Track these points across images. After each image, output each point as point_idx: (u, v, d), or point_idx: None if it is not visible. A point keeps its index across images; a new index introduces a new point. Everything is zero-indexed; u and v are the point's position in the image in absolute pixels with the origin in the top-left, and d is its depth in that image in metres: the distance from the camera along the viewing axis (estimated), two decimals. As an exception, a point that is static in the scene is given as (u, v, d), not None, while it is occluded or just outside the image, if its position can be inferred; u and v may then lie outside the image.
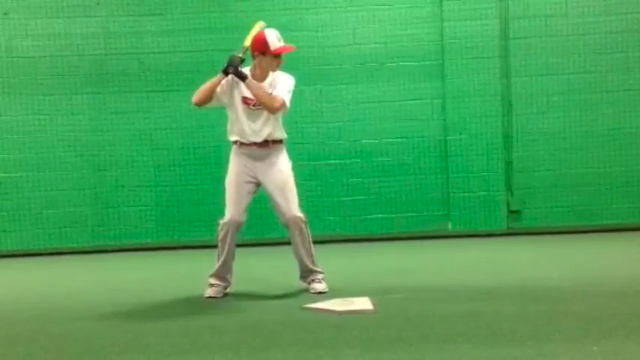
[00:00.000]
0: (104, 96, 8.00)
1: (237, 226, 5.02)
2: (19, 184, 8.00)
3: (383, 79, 8.04)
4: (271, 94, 4.92)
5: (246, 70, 5.00)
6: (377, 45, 8.01)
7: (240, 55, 4.94)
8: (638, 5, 7.94)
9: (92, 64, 7.99)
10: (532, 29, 7.96)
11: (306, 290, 5.09)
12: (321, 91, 8.04)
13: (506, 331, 3.79)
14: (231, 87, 5.00)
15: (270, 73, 4.99)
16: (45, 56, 7.95)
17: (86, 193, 8.03)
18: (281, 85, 4.95)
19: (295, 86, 5.04)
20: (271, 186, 5.04)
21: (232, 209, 5.01)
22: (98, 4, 7.97)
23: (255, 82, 4.94)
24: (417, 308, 4.49)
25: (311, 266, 5.12)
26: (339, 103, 8.08)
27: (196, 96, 5.02)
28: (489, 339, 3.67)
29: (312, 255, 5.12)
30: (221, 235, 5.03)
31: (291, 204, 5.02)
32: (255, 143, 5.00)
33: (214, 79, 4.97)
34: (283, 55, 4.99)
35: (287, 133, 5.15)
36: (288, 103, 4.95)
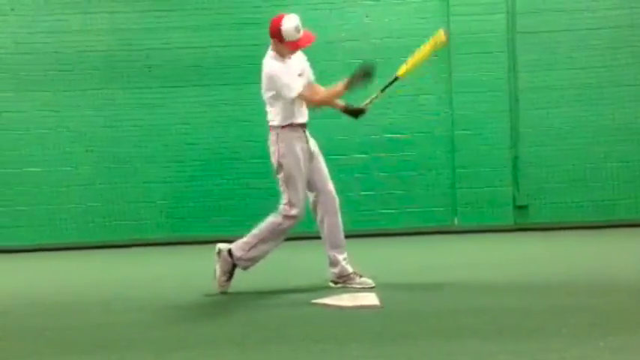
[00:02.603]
0: (112, 91, 8.02)
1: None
2: (29, 179, 8.03)
3: (390, 73, 7.99)
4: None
5: (272, 59, 4.89)
6: (383, 40, 7.99)
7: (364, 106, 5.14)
8: (648, 0, 7.91)
9: (100, 60, 8.01)
10: (540, 24, 7.92)
11: (351, 288, 4.91)
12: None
13: (513, 326, 3.78)
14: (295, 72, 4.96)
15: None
16: (53, 52, 7.98)
17: (96, 188, 8.06)
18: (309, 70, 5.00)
19: None
20: (322, 165, 5.06)
21: (301, 203, 4.90)
22: (106, -1, 7.99)
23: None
24: (424, 303, 4.48)
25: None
26: (346, 98, 8.05)
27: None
28: (496, 334, 3.66)
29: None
30: (282, 228, 4.89)
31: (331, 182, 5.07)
32: (305, 123, 5.00)
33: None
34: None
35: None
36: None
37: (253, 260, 4.98)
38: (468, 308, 4.26)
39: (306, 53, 7.79)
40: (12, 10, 7.97)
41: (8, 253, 7.79)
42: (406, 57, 8.06)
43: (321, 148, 8.19)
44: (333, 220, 4.99)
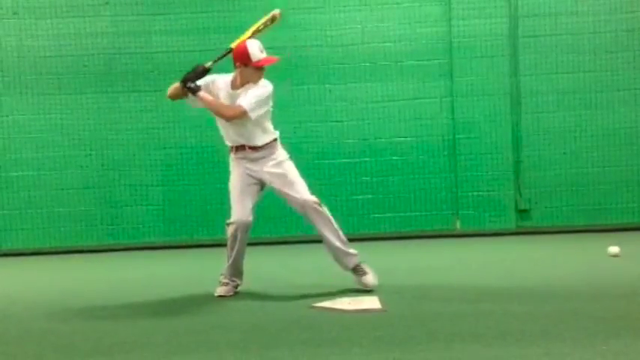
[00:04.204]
0: (113, 95, 8.03)
1: (244, 227, 5.00)
2: (29, 182, 8.04)
3: (391, 78, 8.03)
4: (228, 104, 4.87)
5: (225, 77, 4.96)
6: (385, 44, 8.00)
7: (208, 64, 4.88)
8: (648, 4, 7.91)
9: (101, 64, 8.02)
10: (541, 28, 7.93)
11: (357, 289, 4.99)
12: (330, 90, 8.04)
13: (515, 331, 3.78)
14: (209, 85, 4.96)
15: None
16: (54, 56, 7.99)
17: (95, 191, 8.06)
18: (250, 93, 4.85)
19: (269, 95, 4.90)
20: (275, 183, 5.02)
21: (238, 210, 5.00)
22: (107, 3, 8.00)
23: (205, 94, 4.87)
24: (426, 307, 4.48)
25: (344, 248, 5.01)
26: (348, 102, 8.08)
27: (169, 91, 5.02)
28: (498, 338, 3.66)
29: (340, 236, 5.02)
30: (229, 235, 5.03)
31: (300, 191, 4.97)
32: (247, 146, 4.99)
33: (176, 84, 4.93)
34: (268, 66, 4.93)
35: (278, 131, 5.10)
36: (250, 112, 4.80)
37: (229, 272, 5.09)
38: (470, 312, 4.26)
39: (306, 57, 7.87)
40: (15, 14, 7.99)
41: (7, 256, 7.79)
42: (409, 61, 8.16)
43: (324, 151, 8.22)
44: (318, 229, 5.03)
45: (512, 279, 5.35)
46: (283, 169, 5.02)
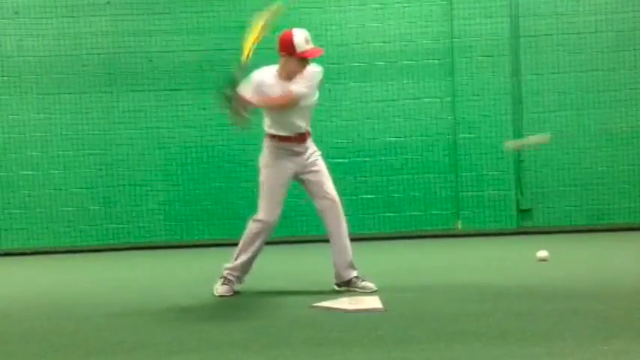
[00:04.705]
0: (113, 95, 8.04)
1: (271, 228, 4.93)
2: (30, 182, 8.04)
3: (392, 77, 8.04)
4: (278, 95, 4.77)
5: (267, 72, 4.83)
6: (386, 43, 8.00)
7: (238, 71, 4.74)
8: (649, 3, 7.92)
9: (101, 63, 8.03)
10: (543, 27, 7.93)
11: (354, 291, 4.92)
12: (329, 89, 8.03)
13: (516, 330, 3.77)
14: (259, 87, 4.81)
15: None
16: (55, 55, 7.99)
17: (96, 191, 8.07)
18: (302, 79, 4.76)
19: (321, 78, 4.85)
20: (311, 176, 4.94)
21: (270, 209, 4.90)
22: (108, 3, 8.01)
23: (247, 97, 4.69)
24: (427, 307, 4.47)
25: (351, 254, 4.97)
26: (348, 102, 8.08)
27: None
28: (499, 338, 3.65)
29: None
30: (252, 233, 4.92)
31: (333, 190, 5.01)
32: (295, 137, 4.89)
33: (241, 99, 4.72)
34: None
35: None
36: (298, 94, 4.72)
37: (239, 270, 5.02)
38: (470, 312, 4.25)
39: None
40: (16, 13, 7.99)
41: (7, 256, 7.79)
42: (410, 60, 8.15)
43: (326, 151, 8.19)
44: (336, 230, 4.97)
45: (514, 279, 5.34)
46: (319, 167, 5.00)
